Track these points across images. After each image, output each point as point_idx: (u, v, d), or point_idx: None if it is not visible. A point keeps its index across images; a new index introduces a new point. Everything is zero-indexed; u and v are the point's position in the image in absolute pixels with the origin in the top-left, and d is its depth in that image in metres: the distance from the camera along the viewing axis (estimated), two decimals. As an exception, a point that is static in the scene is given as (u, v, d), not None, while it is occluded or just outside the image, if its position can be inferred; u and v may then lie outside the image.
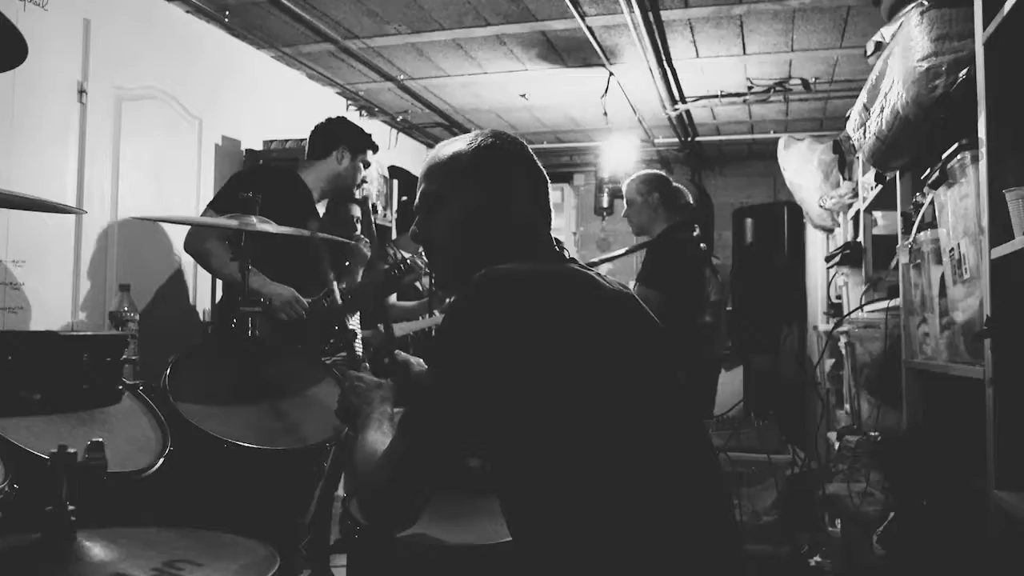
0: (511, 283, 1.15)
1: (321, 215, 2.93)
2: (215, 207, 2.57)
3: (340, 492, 3.02)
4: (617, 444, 1.12)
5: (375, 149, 2.94)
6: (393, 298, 3.46)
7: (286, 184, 2.72)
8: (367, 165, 2.91)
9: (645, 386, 1.19)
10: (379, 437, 1.28)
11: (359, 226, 3.41)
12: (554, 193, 8.32)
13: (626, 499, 1.10)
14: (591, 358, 1.14)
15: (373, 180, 4.34)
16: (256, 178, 2.67)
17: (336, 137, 2.83)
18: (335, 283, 2.64)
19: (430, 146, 5.86)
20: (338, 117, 2.94)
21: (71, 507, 1.10)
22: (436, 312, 3.35)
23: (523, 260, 1.23)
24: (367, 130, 2.95)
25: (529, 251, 1.27)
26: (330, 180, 2.82)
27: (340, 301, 2.64)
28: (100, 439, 1.17)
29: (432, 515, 1.75)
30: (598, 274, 1.29)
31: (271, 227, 1.95)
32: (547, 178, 1.36)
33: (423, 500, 1.17)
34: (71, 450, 1.10)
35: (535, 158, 1.35)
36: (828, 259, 3.68)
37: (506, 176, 1.30)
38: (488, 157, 1.30)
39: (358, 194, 3.24)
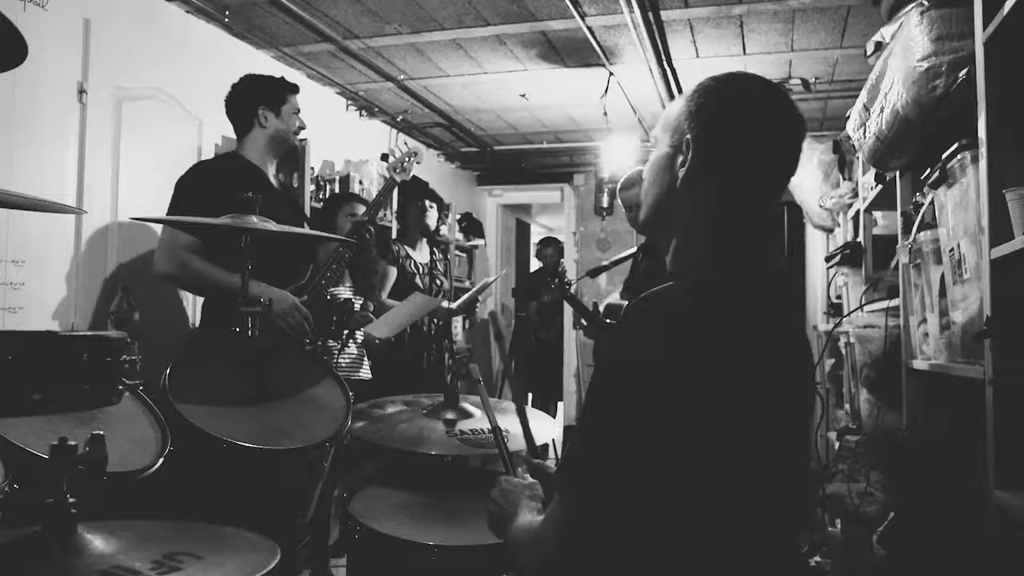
0: (660, 314, 1.02)
1: (275, 186, 2.70)
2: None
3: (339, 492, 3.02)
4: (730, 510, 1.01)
5: (294, 89, 2.64)
6: (384, 296, 3.44)
7: (235, 170, 2.52)
8: (296, 109, 2.63)
9: (773, 452, 1.06)
10: (532, 518, 1.17)
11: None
12: (554, 193, 8.19)
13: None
14: (727, 415, 1.00)
15: (373, 180, 4.34)
16: (205, 177, 2.45)
17: (249, 101, 2.59)
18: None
19: (430, 146, 5.86)
20: (241, 78, 2.64)
21: (71, 499, 1.10)
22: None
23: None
24: (367, 131, 2.93)
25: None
26: (268, 147, 2.59)
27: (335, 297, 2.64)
28: (100, 432, 1.16)
29: (432, 515, 1.75)
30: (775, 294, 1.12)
31: (272, 226, 1.93)
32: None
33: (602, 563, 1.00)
34: (71, 443, 1.11)
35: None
36: (828, 259, 3.68)
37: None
38: None
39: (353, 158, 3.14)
